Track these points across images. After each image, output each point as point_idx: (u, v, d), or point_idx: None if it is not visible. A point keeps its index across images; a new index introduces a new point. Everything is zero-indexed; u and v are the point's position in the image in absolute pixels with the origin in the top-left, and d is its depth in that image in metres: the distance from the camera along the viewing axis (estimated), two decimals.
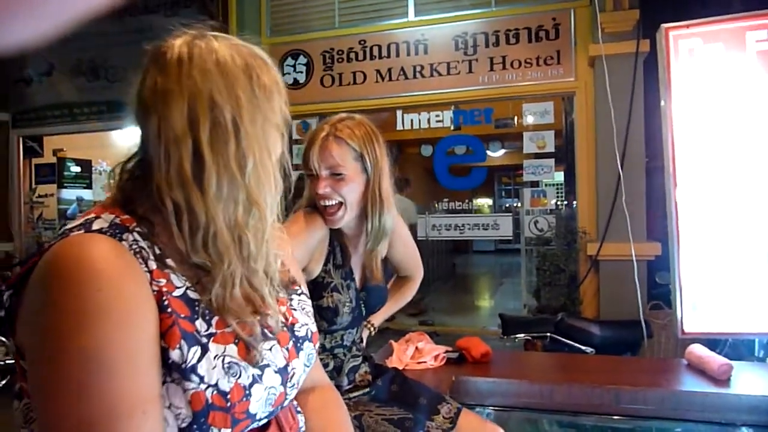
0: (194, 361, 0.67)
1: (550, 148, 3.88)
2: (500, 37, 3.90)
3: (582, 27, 3.69)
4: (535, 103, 3.90)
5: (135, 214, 0.72)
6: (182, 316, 0.69)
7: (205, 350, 0.68)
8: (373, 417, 1.36)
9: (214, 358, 0.69)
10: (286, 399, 0.79)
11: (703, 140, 2.13)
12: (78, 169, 5.58)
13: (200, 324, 0.70)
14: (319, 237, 1.41)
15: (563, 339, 2.64)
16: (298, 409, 0.88)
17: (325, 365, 1.44)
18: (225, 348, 0.70)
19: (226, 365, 0.69)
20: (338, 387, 1.46)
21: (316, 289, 1.40)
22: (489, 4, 3.94)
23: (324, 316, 1.40)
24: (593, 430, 1.94)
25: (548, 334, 2.70)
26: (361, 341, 1.58)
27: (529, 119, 3.94)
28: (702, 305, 2.09)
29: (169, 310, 0.68)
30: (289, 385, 0.79)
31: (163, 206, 0.70)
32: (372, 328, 1.71)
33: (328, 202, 1.39)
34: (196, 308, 0.71)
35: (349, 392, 1.49)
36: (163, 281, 0.69)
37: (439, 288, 6.81)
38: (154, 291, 0.67)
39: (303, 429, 0.87)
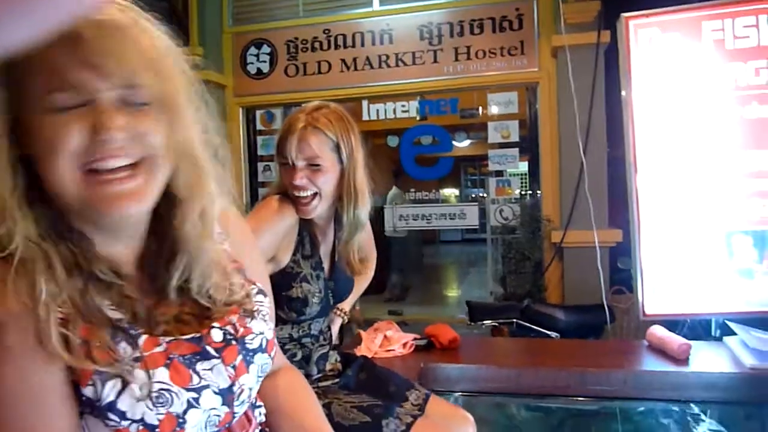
0: (112, 397, 0.60)
1: (515, 137, 3.92)
2: (465, 27, 3.91)
3: (545, 17, 3.73)
4: (500, 93, 3.93)
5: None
6: (97, 344, 0.61)
7: (126, 382, 0.61)
8: (342, 405, 1.36)
9: (140, 388, 0.61)
10: (234, 417, 0.72)
11: (663, 128, 2.19)
12: None
13: (124, 348, 0.62)
14: (288, 225, 1.39)
15: (529, 324, 2.69)
16: (257, 403, 0.83)
17: (293, 355, 1.43)
18: (153, 373, 0.62)
19: (154, 395, 0.62)
20: (307, 376, 1.45)
21: (285, 279, 1.38)
22: None
23: (293, 306, 1.38)
24: (560, 412, 1.99)
25: (514, 320, 2.74)
26: (329, 330, 1.57)
27: (494, 109, 3.97)
28: (662, 288, 2.16)
29: (79, 341, 0.60)
30: (236, 404, 0.72)
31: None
32: (344, 316, 1.70)
33: (303, 193, 1.37)
34: (118, 329, 0.63)
35: (318, 381, 1.49)
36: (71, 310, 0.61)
37: (407, 278, 6.84)
38: (60, 320, 0.60)
39: (262, 421, 0.83)
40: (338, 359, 1.58)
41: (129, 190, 0.62)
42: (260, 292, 0.82)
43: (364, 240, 1.69)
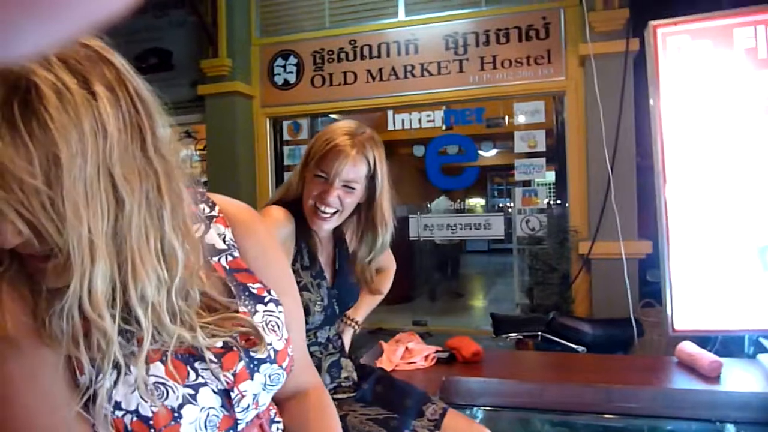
0: (107, 386, 0.61)
1: (542, 147, 3.88)
2: (490, 37, 3.90)
3: (572, 26, 3.69)
4: (526, 102, 3.91)
5: None
6: (96, 336, 0.61)
7: (121, 373, 0.62)
8: (357, 417, 1.35)
9: (135, 380, 0.62)
10: (238, 423, 0.71)
11: (693, 138, 2.13)
12: None
13: (120, 342, 0.62)
14: (286, 234, 1.40)
15: (555, 338, 2.64)
16: (276, 418, 0.82)
17: None
18: (149, 368, 0.63)
19: (149, 387, 0.62)
20: None
21: None
22: (479, 3, 3.94)
23: None
24: (585, 429, 1.94)
25: (539, 333, 2.69)
26: (339, 338, 1.57)
27: (520, 119, 3.94)
28: (692, 303, 2.10)
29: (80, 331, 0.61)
30: (237, 409, 0.70)
31: None
32: (355, 326, 1.70)
33: (328, 210, 1.40)
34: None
35: (334, 392, 1.48)
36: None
37: (431, 288, 6.81)
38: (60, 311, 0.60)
39: None
40: (353, 369, 1.58)
41: (43, 270, 0.60)
42: (272, 300, 0.79)
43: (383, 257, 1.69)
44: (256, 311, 0.76)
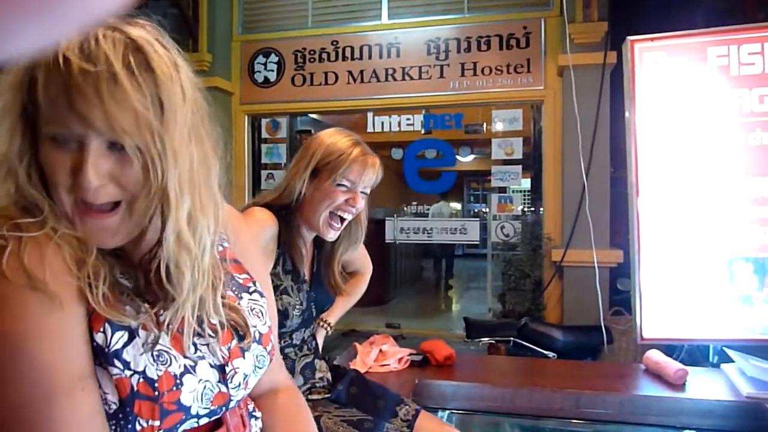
0: (119, 346, 0.65)
1: (518, 154, 3.93)
2: (472, 44, 3.93)
3: (552, 36, 3.75)
4: (505, 110, 3.95)
5: None
6: (111, 300, 0.66)
7: (132, 336, 0.66)
8: (332, 419, 1.35)
9: (143, 345, 0.67)
10: (230, 400, 0.75)
11: (666, 151, 2.19)
12: None
13: (130, 311, 0.67)
14: (269, 235, 1.41)
15: (526, 343, 2.67)
16: (255, 413, 0.85)
17: None
18: (157, 337, 0.68)
19: (155, 353, 0.67)
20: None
21: None
22: (462, 10, 3.97)
23: None
24: None
25: (511, 338, 2.73)
26: (313, 339, 1.57)
27: (499, 126, 3.98)
28: (660, 312, 2.14)
29: (95, 305, 0.65)
30: (231, 385, 0.75)
31: None
32: (328, 328, 1.71)
33: (348, 216, 1.46)
34: (125, 295, 0.68)
35: (309, 393, 1.48)
36: (91, 270, 0.65)
37: (406, 291, 6.82)
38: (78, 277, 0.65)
39: None
40: (327, 370, 1.58)
41: (107, 226, 0.66)
42: (257, 291, 0.86)
43: (355, 256, 1.70)
44: (241, 298, 0.82)
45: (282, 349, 1.44)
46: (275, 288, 1.39)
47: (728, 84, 2.11)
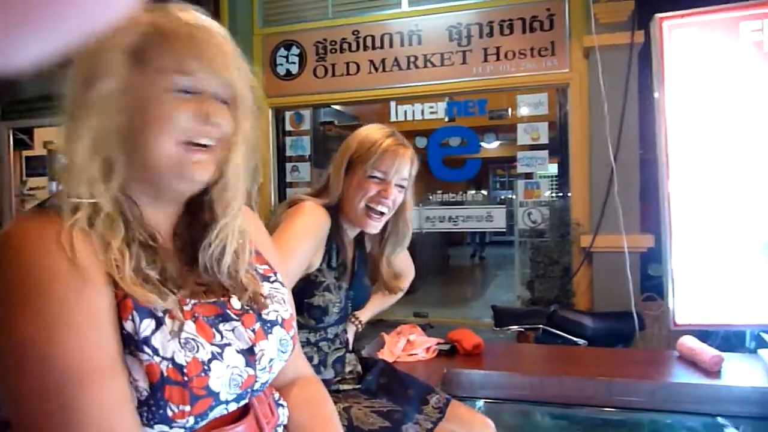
0: (147, 333, 0.66)
1: (544, 139, 3.86)
2: (494, 28, 3.87)
3: (576, 17, 3.66)
4: (530, 94, 3.88)
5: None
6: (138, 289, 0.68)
7: (159, 323, 0.68)
8: (362, 409, 1.35)
9: (170, 332, 0.68)
10: (256, 382, 0.77)
11: (697, 131, 2.12)
12: None
13: (155, 299, 0.69)
14: (326, 231, 1.41)
15: (556, 331, 2.64)
16: (280, 402, 0.86)
17: (310, 359, 1.44)
18: (182, 324, 0.69)
19: (182, 340, 0.68)
20: (324, 381, 1.45)
21: (308, 286, 1.39)
22: None
23: (312, 314, 1.39)
24: (585, 422, 1.94)
25: (540, 326, 2.70)
26: (345, 333, 1.58)
27: (524, 111, 3.92)
28: (694, 297, 2.09)
29: (122, 283, 0.67)
30: (259, 367, 0.76)
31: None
32: (359, 325, 1.71)
33: (384, 209, 1.44)
34: (150, 284, 0.70)
35: (339, 384, 1.49)
36: (117, 255, 0.68)
37: (433, 280, 6.81)
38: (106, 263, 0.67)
39: (284, 423, 0.85)
40: (357, 362, 1.58)
41: (206, 160, 0.75)
42: (277, 281, 0.88)
43: (402, 256, 1.70)
44: (262, 284, 0.84)
45: (316, 342, 1.45)
46: (318, 284, 1.40)
47: (763, 59, 2.03)
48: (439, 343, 2.01)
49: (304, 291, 1.37)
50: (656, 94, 2.16)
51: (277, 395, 0.86)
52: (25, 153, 5.42)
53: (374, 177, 1.42)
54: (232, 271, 0.79)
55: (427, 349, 1.98)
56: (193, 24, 0.73)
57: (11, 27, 0.24)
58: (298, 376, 0.93)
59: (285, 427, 0.85)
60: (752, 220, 2.05)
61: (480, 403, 1.83)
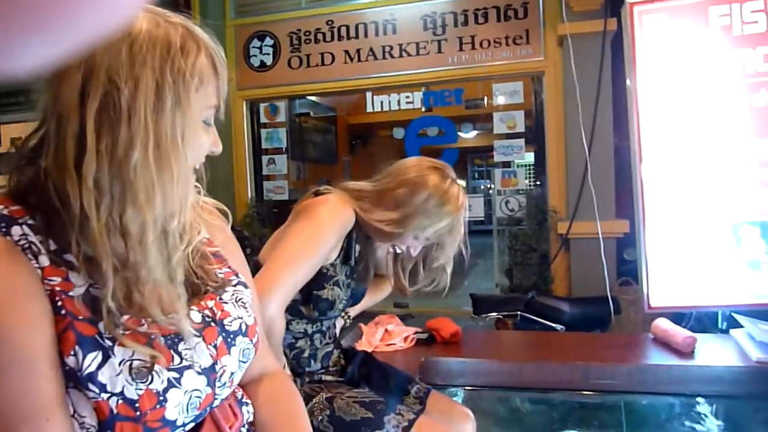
0: (93, 368, 0.62)
1: (521, 128, 3.88)
2: (469, 17, 3.86)
3: (550, 5, 3.67)
4: (505, 83, 3.89)
5: (28, 204, 0.65)
6: (80, 318, 0.63)
7: (107, 356, 0.63)
8: (344, 399, 1.35)
9: (120, 363, 0.63)
10: (215, 399, 0.73)
11: (669, 116, 2.14)
12: None
13: (104, 326, 0.64)
14: (347, 228, 1.39)
15: (533, 317, 2.66)
16: (244, 400, 0.83)
17: (301, 351, 1.43)
18: (134, 351, 0.64)
19: (134, 370, 0.63)
20: (310, 372, 1.44)
21: (319, 278, 1.37)
22: None
23: (318, 306, 1.38)
24: (563, 406, 1.97)
25: (518, 312, 2.72)
26: (335, 327, 1.57)
27: (499, 99, 3.93)
28: (668, 280, 2.12)
29: (63, 312, 0.62)
30: (218, 385, 0.73)
31: (50, 192, 0.64)
32: (348, 320, 1.71)
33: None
34: (99, 308, 0.64)
35: (323, 375, 1.48)
36: (57, 279, 0.63)
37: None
38: (46, 291, 0.62)
39: (250, 420, 0.82)
40: (341, 356, 1.58)
41: None
42: (241, 283, 0.84)
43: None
44: (225, 291, 0.80)
45: (312, 334, 1.45)
46: (329, 278, 1.38)
47: (731, 44, 2.06)
48: (417, 332, 2.01)
49: (313, 282, 1.35)
50: (628, 81, 2.18)
51: (240, 393, 0.83)
52: None
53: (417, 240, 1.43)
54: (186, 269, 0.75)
55: (405, 339, 1.98)
56: (221, 58, 0.73)
57: (12, 29, 0.24)
58: (265, 372, 0.90)
59: (251, 424, 0.82)
60: (723, 202, 2.08)
61: (459, 391, 1.84)
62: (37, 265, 0.62)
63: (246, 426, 0.81)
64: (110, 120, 0.62)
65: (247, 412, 0.82)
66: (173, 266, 0.68)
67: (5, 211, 0.63)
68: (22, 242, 0.62)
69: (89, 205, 0.62)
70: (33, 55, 0.26)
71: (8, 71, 0.26)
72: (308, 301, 1.37)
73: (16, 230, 0.62)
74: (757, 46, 2.04)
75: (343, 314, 1.67)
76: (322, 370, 1.49)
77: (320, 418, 1.29)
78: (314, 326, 1.44)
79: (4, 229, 0.62)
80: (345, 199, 1.38)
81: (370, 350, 1.87)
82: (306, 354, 1.44)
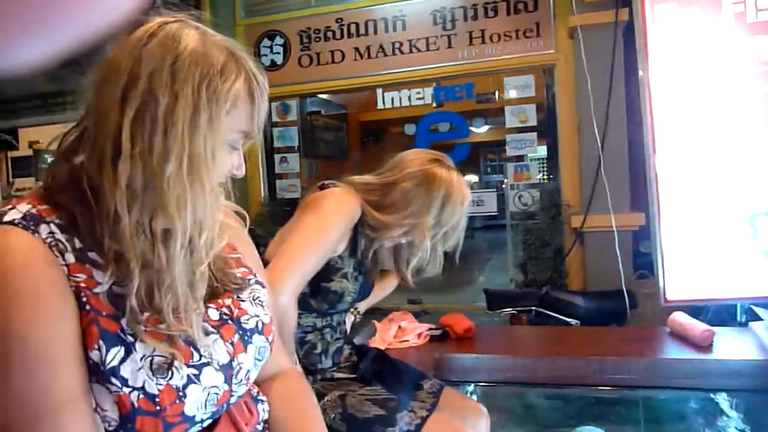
0: (115, 363, 0.63)
1: (533, 121, 3.85)
2: (478, 11, 3.84)
3: None
4: (516, 76, 3.86)
5: (56, 203, 0.67)
6: (104, 314, 0.64)
7: (129, 351, 0.64)
8: (356, 397, 1.35)
9: (141, 359, 0.65)
10: (232, 396, 0.75)
11: (682, 107, 2.12)
12: None
13: (126, 322, 0.65)
14: (356, 220, 1.40)
15: (548, 312, 2.65)
16: (260, 397, 0.85)
17: (313, 347, 1.44)
18: (155, 347, 0.66)
19: (155, 366, 0.65)
20: (323, 369, 1.45)
21: (328, 270, 1.38)
22: None
23: (327, 298, 1.39)
24: (579, 402, 1.96)
25: (533, 307, 2.70)
26: (345, 323, 1.58)
27: (511, 93, 3.90)
28: (684, 273, 2.10)
29: (88, 307, 0.63)
30: (234, 382, 0.74)
31: (85, 190, 0.66)
32: (357, 315, 1.71)
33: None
34: (122, 305, 0.65)
35: (335, 372, 1.48)
36: (82, 276, 0.64)
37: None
38: (72, 287, 0.63)
39: (265, 418, 0.83)
40: (352, 351, 1.58)
41: None
42: (258, 282, 0.86)
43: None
44: (243, 290, 0.82)
45: (322, 329, 1.45)
46: (337, 270, 1.39)
47: (745, 32, 2.02)
48: (430, 329, 2.01)
49: (321, 275, 1.36)
50: (641, 72, 2.15)
51: (255, 391, 0.85)
52: (11, 154, 5.37)
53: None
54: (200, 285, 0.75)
55: (419, 335, 1.98)
56: (261, 88, 0.74)
57: (12, 27, 0.25)
58: (279, 371, 0.91)
59: (266, 422, 0.84)
60: (739, 194, 2.05)
61: (473, 387, 1.83)
62: (63, 263, 0.63)
63: (261, 423, 0.82)
64: (145, 128, 0.65)
65: (263, 410, 0.83)
66: (196, 280, 0.70)
67: (34, 210, 0.65)
68: (49, 240, 0.63)
69: (121, 204, 0.64)
70: (32, 53, 0.26)
71: (8, 68, 0.27)
72: (317, 294, 1.38)
73: (43, 228, 0.64)
74: None
75: (352, 310, 1.67)
76: (334, 368, 1.49)
77: (333, 416, 1.29)
78: (324, 320, 1.44)
79: (33, 228, 0.63)
80: (351, 192, 1.39)
81: (383, 347, 1.87)
82: (318, 350, 1.44)
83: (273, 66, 4.25)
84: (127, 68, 0.65)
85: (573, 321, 2.53)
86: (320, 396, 1.33)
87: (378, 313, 2.75)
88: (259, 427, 0.81)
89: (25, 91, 4.99)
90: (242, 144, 0.77)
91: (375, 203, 1.41)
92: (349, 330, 1.67)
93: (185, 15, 0.72)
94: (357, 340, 1.87)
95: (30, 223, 0.63)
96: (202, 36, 0.70)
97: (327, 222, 1.31)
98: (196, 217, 0.67)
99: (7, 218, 0.63)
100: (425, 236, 1.41)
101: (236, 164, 0.76)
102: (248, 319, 0.79)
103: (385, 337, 1.96)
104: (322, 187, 1.41)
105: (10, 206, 0.66)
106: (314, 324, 1.43)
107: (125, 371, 0.63)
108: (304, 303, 1.39)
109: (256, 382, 0.86)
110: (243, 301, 0.80)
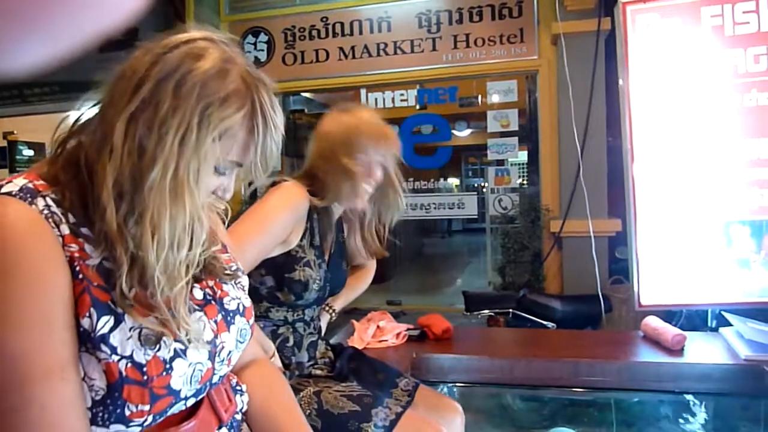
0: (105, 330, 0.65)
1: (514, 126, 3.89)
2: (464, 15, 3.87)
3: (545, 4, 3.67)
4: (499, 81, 3.90)
5: (54, 179, 0.68)
6: (95, 284, 0.66)
7: (118, 320, 0.66)
8: (332, 393, 1.36)
9: (130, 329, 0.66)
10: (214, 374, 0.76)
11: (661, 116, 2.16)
12: (31, 152, 5.38)
13: (116, 297, 0.67)
14: (305, 209, 1.42)
15: (525, 314, 2.67)
16: (239, 387, 0.86)
17: (285, 340, 1.44)
18: (143, 320, 0.67)
19: (143, 337, 0.67)
20: (299, 363, 1.45)
21: (289, 261, 1.41)
22: None
23: (293, 289, 1.40)
24: (554, 403, 1.98)
25: (510, 310, 2.73)
26: (319, 320, 1.57)
27: (493, 98, 3.94)
28: (658, 278, 2.14)
29: (81, 276, 0.65)
30: (217, 360, 0.76)
31: (82, 171, 0.68)
32: (333, 314, 1.70)
33: (371, 189, 1.49)
34: (112, 279, 0.67)
35: (312, 369, 1.48)
36: (76, 248, 0.66)
37: (406, 268, 6.83)
38: (66, 256, 0.65)
39: (244, 409, 0.84)
40: (328, 347, 1.58)
41: None
42: (239, 269, 0.89)
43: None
44: (227, 274, 0.85)
45: (293, 323, 1.46)
46: (299, 260, 1.41)
47: (723, 44, 2.07)
48: (408, 329, 2.02)
49: (284, 265, 1.39)
50: (621, 80, 2.19)
51: (234, 381, 0.86)
52: None
53: (379, 160, 1.48)
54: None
55: (397, 335, 1.98)
56: (271, 126, 0.76)
57: (11, 29, 0.25)
58: (254, 359, 0.94)
59: (244, 413, 0.85)
60: (714, 202, 2.09)
61: (450, 387, 1.85)
62: (58, 233, 0.65)
63: (240, 413, 0.84)
64: (138, 127, 0.66)
65: (242, 402, 0.85)
66: (176, 291, 0.70)
67: (30, 185, 0.66)
68: (45, 212, 0.65)
69: (108, 196, 0.65)
70: (31, 54, 0.27)
71: (7, 69, 0.27)
72: (282, 286, 1.40)
73: (39, 201, 0.65)
74: (748, 46, 2.05)
75: (327, 307, 1.67)
76: (311, 363, 1.49)
77: (308, 412, 1.30)
78: (295, 314, 1.46)
79: (29, 199, 0.64)
80: (298, 185, 1.42)
81: (362, 347, 1.88)
82: (290, 342, 1.45)
83: (256, 63, 4.21)
84: (142, 69, 0.68)
85: (549, 324, 2.56)
86: (296, 392, 1.32)
87: (356, 313, 2.76)
88: (238, 417, 0.83)
89: (0, 81, 4.88)
90: (235, 172, 0.77)
91: (323, 176, 1.46)
92: (324, 329, 1.67)
93: (219, 35, 0.74)
94: (335, 339, 1.87)
95: (27, 195, 0.65)
96: (224, 61, 0.71)
97: (268, 212, 1.35)
98: (175, 234, 0.68)
99: (4, 190, 0.64)
100: (373, 180, 1.46)
101: (222, 187, 0.77)
102: (230, 301, 0.82)
103: (364, 336, 1.96)
104: (273, 184, 1.44)
105: (7, 180, 0.67)
106: (285, 318, 1.44)
107: (114, 339, 0.65)
108: (271, 297, 1.41)
109: (233, 371, 0.88)
110: (225, 283, 0.83)
